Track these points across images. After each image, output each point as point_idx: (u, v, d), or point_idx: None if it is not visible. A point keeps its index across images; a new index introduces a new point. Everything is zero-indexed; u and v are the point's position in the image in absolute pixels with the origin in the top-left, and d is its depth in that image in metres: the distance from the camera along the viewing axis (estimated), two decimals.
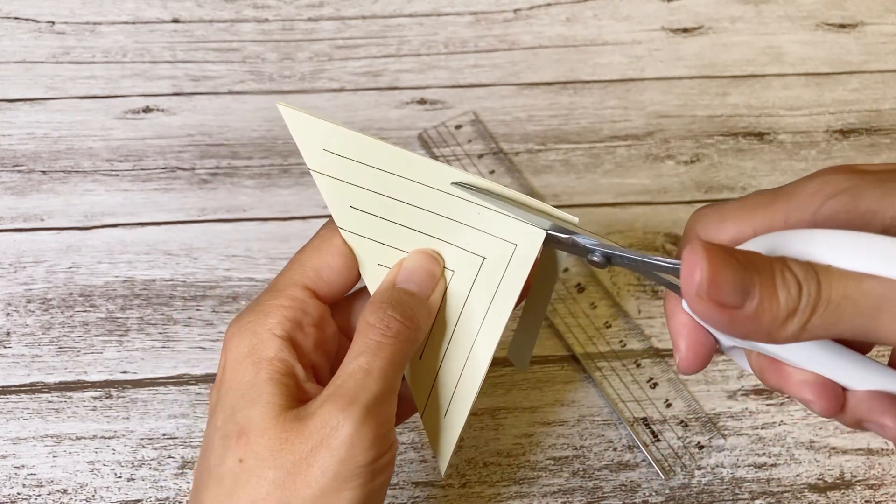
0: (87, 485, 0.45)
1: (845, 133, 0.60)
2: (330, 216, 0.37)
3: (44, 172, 0.56)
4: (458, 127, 0.59)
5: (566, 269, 0.53)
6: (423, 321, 0.35)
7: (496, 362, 0.37)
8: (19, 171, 0.56)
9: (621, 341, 0.50)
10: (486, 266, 0.36)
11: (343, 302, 0.38)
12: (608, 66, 0.63)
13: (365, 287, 0.38)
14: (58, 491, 0.45)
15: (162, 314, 0.51)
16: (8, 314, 0.50)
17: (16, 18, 0.64)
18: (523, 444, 0.47)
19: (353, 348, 0.34)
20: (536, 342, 0.40)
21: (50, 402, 0.48)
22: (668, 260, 0.32)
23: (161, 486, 0.45)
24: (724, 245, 0.27)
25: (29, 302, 0.51)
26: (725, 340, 0.32)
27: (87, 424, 0.47)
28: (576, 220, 0.35)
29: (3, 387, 0.48)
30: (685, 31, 0.66)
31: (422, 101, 0.61)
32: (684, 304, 0.31)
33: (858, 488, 0.46)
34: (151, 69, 0.62)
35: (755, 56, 0.64)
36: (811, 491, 0.46)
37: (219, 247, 0.54)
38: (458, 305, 0.37)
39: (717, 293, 0.26)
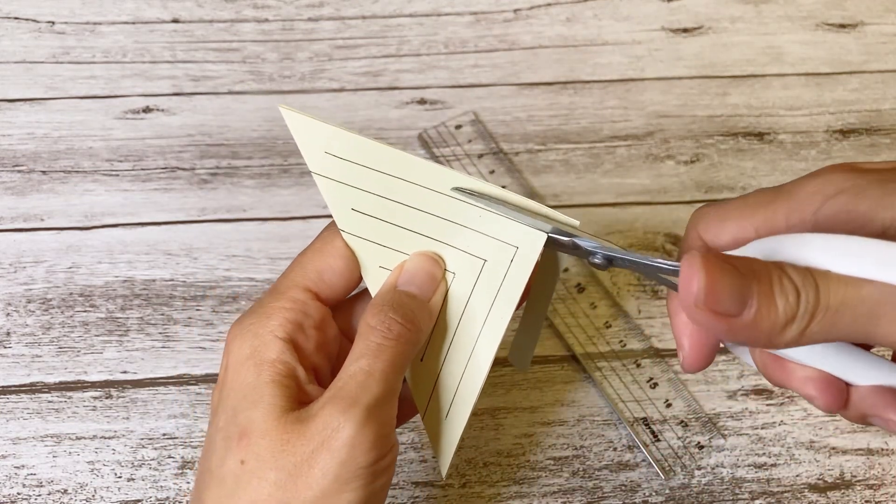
0: (87, 485, 0.45)
1: (845, 133, 0.60)
2: (331, 218, 0.37)
3: (44, 172, 0.56)
4: (458, 127, 0.59)
5: (566, 270, 0.53)
6: (424, 323, 0.35)
7: (496, 363, 0.37)
8: (19, 171, 0.56)
9: (621, 341, 0.50)
10: (487, 268, 0.36)
11: (344, 304, 0.38)
12: (608, 66, 0.63)
13: (366, 289, 0.38)
14: (58, 491, 0.45)
15: (162, 314, 0.51)
16: (8, 314, 0.50)
17: (16, 18, 0.64)
18: (523, 444, 0.47)
19: (355, 350, 0.34)
20: (537, 343, 0.40)
21: (50, 402, 0.48)
22: (669, 262, 0.32)
23: (161, 486, 0.45)
24: (721, 253, 0.27)
25: (29, 302, 0.51)
26: None
27: (87, 424, 0.47)
28: (576, 223, 0.35)
29: (3, 387, 0.48)
30: (685, 31, 0.66)
31: (422, 101, 0.61)
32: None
33: (858, 488, 0.46)
34: (151, 69, 0.62)
35: (755, 56, 0.64)
36: (811, 491, 0.46)
37: (219, 247, 0.54)
38: (459, 308, 0.37)
39: (714, 303, 0.26)
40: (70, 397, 0.48)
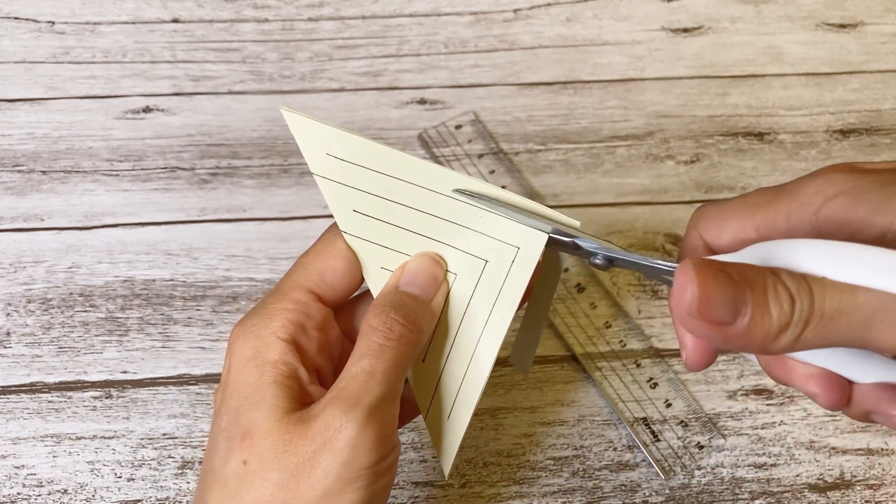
0: (87, 485, 0.45)
1: (845, 133, 0.60)
2: (332, 219, 0.37)
3: (44, 172, 0.56)
4: (458, 127, 0.59)
5: (566, 270, 0.53)
6: (425, 324, 0.35)
7: (496, 363, 0.37)
8: (19, 171, 0.56)
9: (621, 341, 0.50)
10: (488, 269, 0.36)
11: (346, 305, 0.38)
12: (608, 66, 0.63)
13: (368, 290, 0.38)
14: (58, 491, 0.45)
15: (162, 314, 0.51)
16: (8, 314, 0.50)
17: (16, 18, 0.64)
18: (523, 444, 0.47)
19: (356, 351, 0.34)
20: (538, 344, 0.40)
21: (50, 402, 0.48)
22: (669, 263, 0.32)
23: (161, 486, 0.45)
24: (714, 261, 0.27)
25: (29, 302, 0.51)
26: None
27: (87, 424, 0.47)
28: (577, 223, 0.35)
29: (3, 387, 0.48)
30: (685, 31, 0.66)
31: (422, 101, 0.61)
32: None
33: (858, 488, 0.46)
34: (151, 69, 0.62)
35: (755, 56, 0.64)
36: (811, 491, 0.46)
37: (219, 247, 0.54)
38: (460, 308, 0.37)
39: (707, 312, 0.26)
40: (70, 397, 0.48)
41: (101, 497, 0.45)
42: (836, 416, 0.48)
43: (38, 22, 0.64)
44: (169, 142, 0.58)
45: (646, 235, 0.55)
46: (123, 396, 0.48)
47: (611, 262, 0.34)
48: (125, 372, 0.49)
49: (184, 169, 0.57)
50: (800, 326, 0.27)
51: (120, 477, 0.45)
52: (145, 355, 0.49)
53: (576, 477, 0.46)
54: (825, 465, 0.47)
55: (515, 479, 0.46)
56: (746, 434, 0.48)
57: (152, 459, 0.46)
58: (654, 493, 0.46)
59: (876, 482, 0.46)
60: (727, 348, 0.29)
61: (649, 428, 0.47)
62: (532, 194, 0.56)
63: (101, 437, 0.46)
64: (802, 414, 0.48)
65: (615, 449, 0.47)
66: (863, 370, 0.30)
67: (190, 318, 0.51)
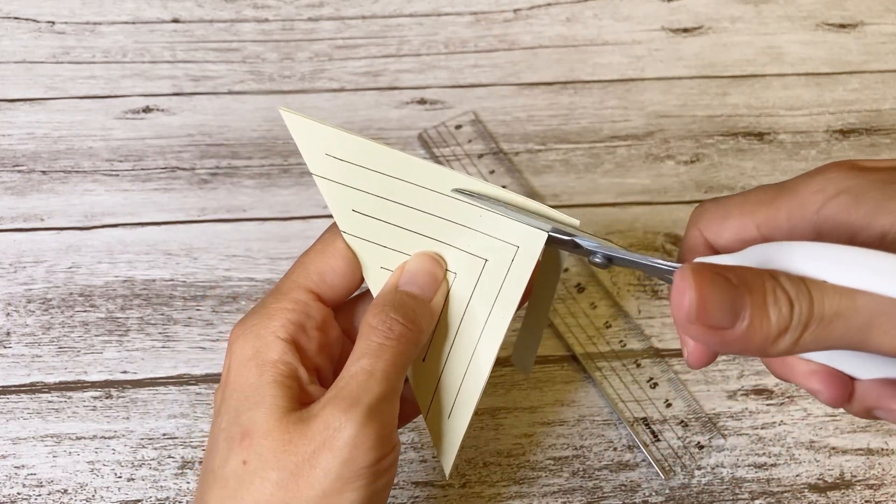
0: (87, 485, 0.45)
1: (845, 133, 0.60)
2: (332, 219, 0.37)
3: (44, 172, 0.56)
4: (458, 127, 0.59)
5: (566, 270, 0.53)
6: (425, 323, 0.35)
7: (496, 362, 0.37)
8: (19, 171, 0.56)
9: (621, 341, 0.50)
10: (488, 268, 0.36)
11: (346, 305, 0.38)
12: (608, 66, 0.63)
13: (368, 290, 0.38)
14: (58, 491, 0.45)
15: (162, 314, 0.51)
16: (8, 314, 0.50)
17: (16, 18, 0.64)
18: (523, 444, 0.47)
19: (356, 351, 0.34)
20: (539, 344, 0.40)
21: (50, 402, 0.48)
22: (669, 263, 0.32)
23: (161, 486, 0.45)
24: (712, 265, 0.27)
25: (29, 302, 0.51)
26: None
27: (87, 424, 0.47)
28: (577, 222, 0.35)
29: (3, 387, 0.48)
30: (685, 31, 0.66)
31: (422, 101, 0.61)
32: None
33: (858, 488, 0.46)
34: (151, 69, 0.62)
35: (755, 56, 0.64)
36: (811, 491, 0.46)
37: (219, 247, 0.54)
38: (460, 308, 0.37)
39: (705, 317, 0.26)
40: (70, 397, 0.48)
41: (101, 497, 0.45)
42: (836, 416, 0.48)
43: (38, 22, 0.64)
44: (169, 142, 0.58)
45: (646, 235, 0.55)
46: (123, 396, 0.48)
47: (610, 261, 0.34)
48: (125, 372, 0.49)
49: (184, 169, 0.57)
50: (798, 330, 0.27)
51: (120, 477, 0.45)
52: (145, 355, 0.49)
53: (576, 477, 0.46)
54: (825, 465, 0.47)
55: (515, 479, 0.46)
56: (746, 434, 0.48)
57: (152, 459, 0.46)
58: (654, 493, 0.46)
59: (876, 482, 0.46)
60: (726, 352, 0.29)
61: (649, 428, 0.47)
62: (532, 194, 0.56)
63: (101, 437, 0.46)
64: (802, 414, 0.48)
65: (615, 449, 0.47)
66: (864, 366, 0.30)
67: (190, 318, 0.51)
